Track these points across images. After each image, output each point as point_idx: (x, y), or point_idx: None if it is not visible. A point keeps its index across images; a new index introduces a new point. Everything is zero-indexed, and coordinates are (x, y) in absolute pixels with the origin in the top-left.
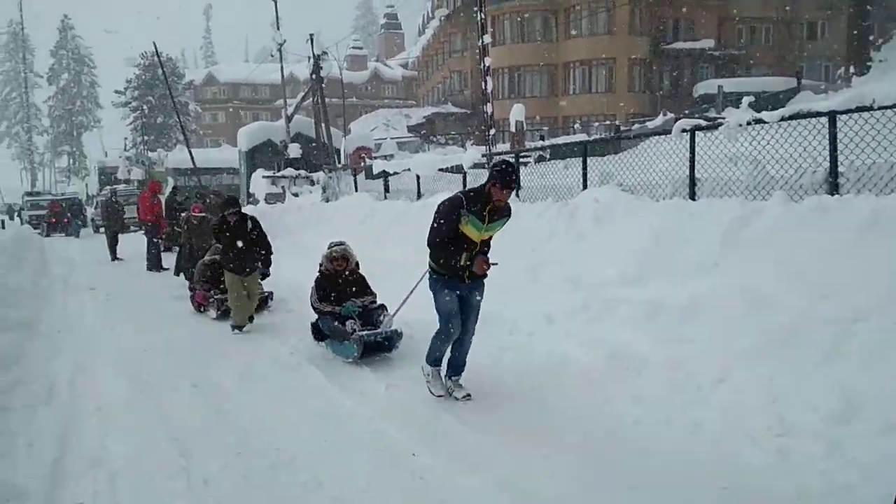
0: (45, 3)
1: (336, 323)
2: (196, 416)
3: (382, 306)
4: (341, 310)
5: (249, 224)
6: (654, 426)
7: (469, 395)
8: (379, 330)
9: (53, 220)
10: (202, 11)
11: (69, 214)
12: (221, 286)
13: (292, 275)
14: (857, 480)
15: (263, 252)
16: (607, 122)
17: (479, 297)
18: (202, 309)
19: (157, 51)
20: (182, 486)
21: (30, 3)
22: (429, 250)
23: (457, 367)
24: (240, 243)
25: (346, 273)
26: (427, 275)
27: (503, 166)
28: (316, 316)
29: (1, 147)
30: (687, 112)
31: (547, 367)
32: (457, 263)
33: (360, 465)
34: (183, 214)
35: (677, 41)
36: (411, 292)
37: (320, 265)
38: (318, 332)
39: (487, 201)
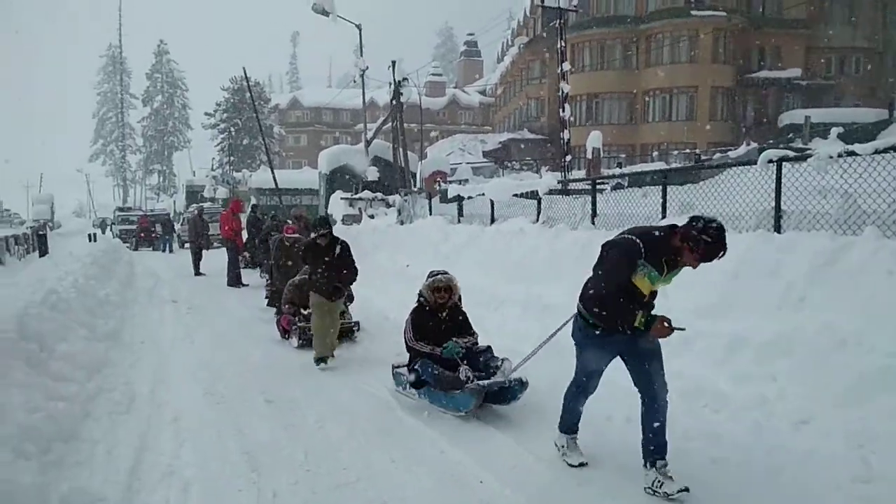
0: (142, 28)
1: (442, 369)
2: (267, 430)
3: (489, 349)
4: (442, 351)
5: (338, 248)
6: (733, 468)
7: (687, 488)
8: (501, 379)
9: (142, 234)
10: (289, 38)
11: (160, 229)
12: (306, 312)
13: (368, 295)
14: None
15: (349, 276)
16: (687, 151)
17: (650, 342)
18: (286, 336)
19: (245, 75)
20: (251, 499)
21: (128, 27)
22: (584, 298)
23: (660, 447)
24: (326, 266)
25: (449, 307)
26: (573, 321)
27: (715, 233)
28: (395, 359)
29: (96, 164)
30: (771, 142)
31: (621, 400)
32: (627, 322)
33: None
34: (274, 235)
35: (762, 70)
36: (549, 339)
37: (419, 296)
38: (416, 378)
39: (669, 254)
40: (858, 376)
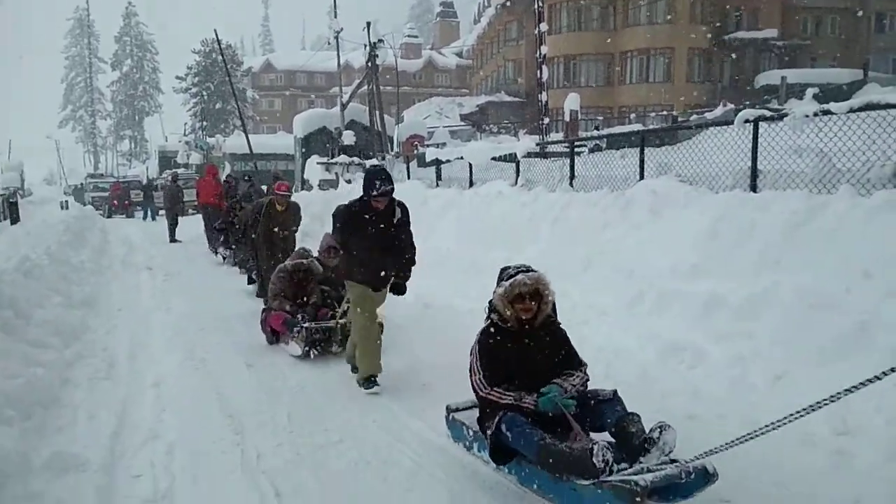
0: None
1: (551, 438)
2: (249, 394)
3: (616, 397)
4: (539, 402)
5: (399, 214)
6: (709, 423)
7: None
8: (672, 469)
9: (115, 202)
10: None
11: (141, 196)
12: (310, 305)
13: None
14: None
15: (407, 256)
16: (664, 113)
17: None
18: (278, 339)
19: (217, 38)
20: (235, 461)
21: None
22: None
23: None
24: (382, 243)
25: (540, 324)
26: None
27: None
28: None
29: (66, 130)
30: (748, 103)
31: (601, 360)
32: None
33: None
34: (256, 200)
35: (739, 30)
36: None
37: (489, 312)
38: (499, 446)
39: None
40: (834, 334)
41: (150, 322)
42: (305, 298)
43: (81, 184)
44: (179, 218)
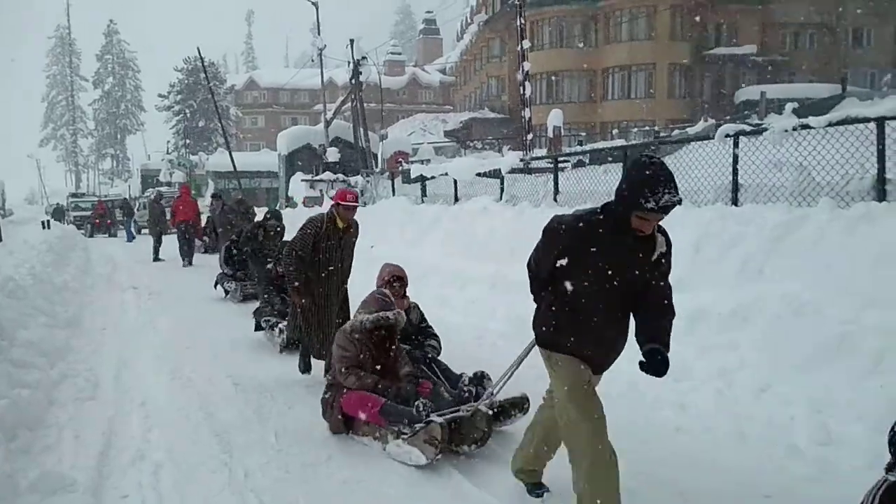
0: (91, 9)
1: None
2: (236, 412)
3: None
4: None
5: (662, 244)
6: (697, 435)
7: None
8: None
9: (97, 221)
10: (244, 17)
11: (118, 215)
12: (404, 378)
13: None
14: None
15: (669, 318)
16: (646, 128)
17: None
18: (354, 429)
19: (200, 56)
20: (223, 480)
21: (76, 8)
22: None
23: None
24: (627, 288)
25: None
26: None
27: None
28: None
29: (47, 149)
30: (728, 118)
31: None
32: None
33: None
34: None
35: (719, 46)
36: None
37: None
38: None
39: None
40: (816, 344)
41: (135, 341)
42: (385, 366)
43: (58, 203)
44: (163, 237)
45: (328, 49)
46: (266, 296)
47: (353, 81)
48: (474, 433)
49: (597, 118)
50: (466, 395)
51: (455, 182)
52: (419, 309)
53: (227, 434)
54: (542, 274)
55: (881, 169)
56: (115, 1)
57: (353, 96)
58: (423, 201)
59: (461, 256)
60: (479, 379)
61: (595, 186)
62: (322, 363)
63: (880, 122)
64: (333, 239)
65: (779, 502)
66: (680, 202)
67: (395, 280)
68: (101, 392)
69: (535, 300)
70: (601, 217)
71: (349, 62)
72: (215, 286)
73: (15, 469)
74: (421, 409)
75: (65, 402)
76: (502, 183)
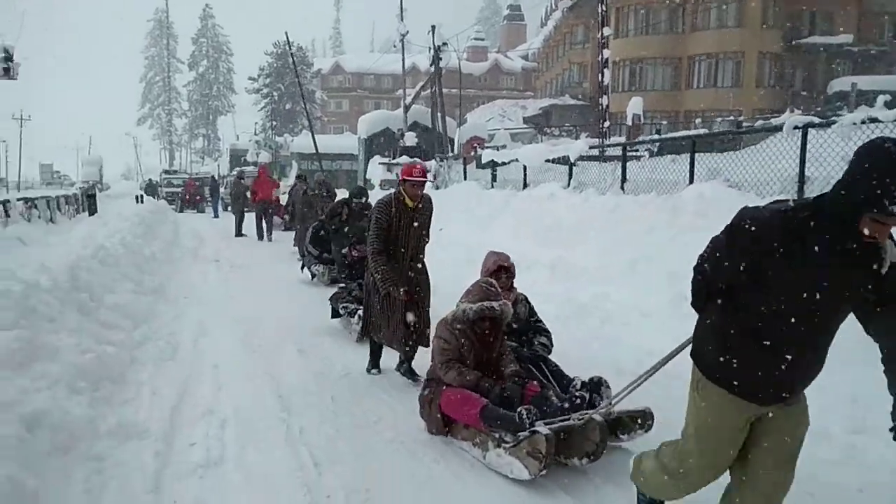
0: None
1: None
2: (298, 377)
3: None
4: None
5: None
6: None
7: None
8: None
9: (188, 197)
10: (332, 2)
11: (207, 193)
12: (507, 377)
13: None
14: None
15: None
16: (730, 118)
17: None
18: (452, 432)
19: (288, 40)
20: (280, 434)
21: None
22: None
23: None
24: (824, 309)
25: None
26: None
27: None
28: None
29: (143, 127)
30: (819, 109)
31: (635, 360)
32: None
33: None
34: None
35: (813, 35)
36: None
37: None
38: None
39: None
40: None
41: (213, 310)
42: (488, 362)
43: (151, 179)
44: (245, 213)
45: (412, 35)
46: (344, 280)
47: (433, 67)
48: (586, 445)
49: (680, 106)
50: (578, 401)
51: (524, 168)
52: (528, 302)
53: (287, 396)
54: (717, 282)
55: None
56: None
57: (432, 82)
58: (492, 186)
59: (526, 240)
60: (596, 385)
61: (664, 175)
62: (397, 354)
63: None
64: (405, 219)
65: (800, 486)
66: None
67: (501, 270)
68: (179, 354)
69: (696, 310)
70: (811, 215)
71: (429, 48)
72: (301, 269)
73: (96, 415)
74: (524, 416)
75: (145, 362)
76: (570, 169)
